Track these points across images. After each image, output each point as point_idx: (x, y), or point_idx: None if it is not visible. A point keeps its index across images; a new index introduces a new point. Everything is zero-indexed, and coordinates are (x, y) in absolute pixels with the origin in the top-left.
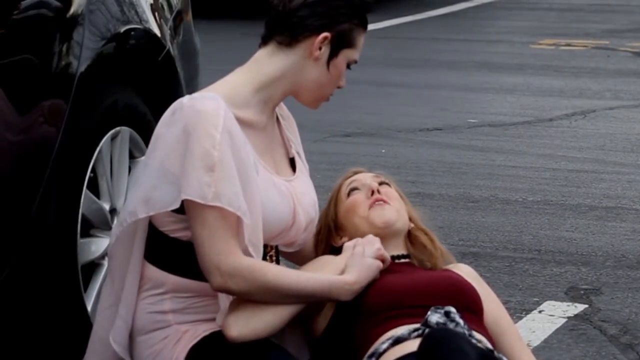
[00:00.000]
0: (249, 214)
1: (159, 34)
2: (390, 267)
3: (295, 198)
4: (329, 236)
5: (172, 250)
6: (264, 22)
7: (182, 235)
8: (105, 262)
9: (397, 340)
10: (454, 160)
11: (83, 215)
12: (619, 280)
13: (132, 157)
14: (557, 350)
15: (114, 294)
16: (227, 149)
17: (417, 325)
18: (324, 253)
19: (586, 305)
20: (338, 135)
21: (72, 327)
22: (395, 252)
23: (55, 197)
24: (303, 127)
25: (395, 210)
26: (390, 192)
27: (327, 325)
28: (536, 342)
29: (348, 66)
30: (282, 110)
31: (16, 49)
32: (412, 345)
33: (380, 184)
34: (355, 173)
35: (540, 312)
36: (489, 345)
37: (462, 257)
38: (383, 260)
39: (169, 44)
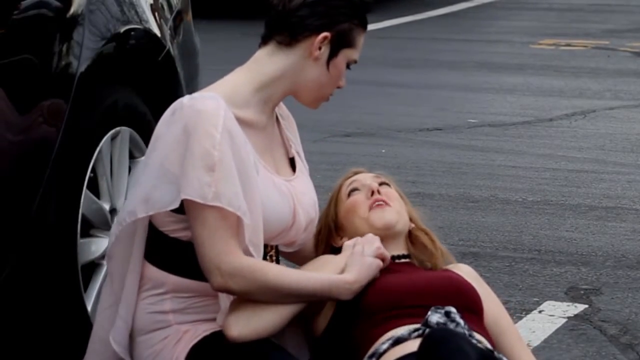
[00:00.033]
0: (248, 214)
1: (159, 34)
2: (391, 266)
3: (295, 198)
4: (329, 236)
5: (172, 250)
6: (264, 22)
7: (182, 235)
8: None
9: (398, 341)
10: (454, 160)
11: (83, 215)
12: (619, 280)
13: (132, 157)
14: (557, 350)
15: (113, 294)
16: (227, 149)
17: (418, 326)
18: (324, 253)
19: (586, 305)
20: (338, 135)
21: (72, 327)
22: (396, 252)
23: (55, 197)
24: (303, 127)
25: (395, 211)
26: (390, 193)
27: (327, 325)
28: (536, 342)
29: (348, 66)
30: (282, 110)
31: (16, 49)
32: (413, 346)
33: (381, 184)
34: (356, 173)
35: (540, 312)
36: (489, 346)
37: (462, 257)
38: (383, 259)
39: (169, 44)
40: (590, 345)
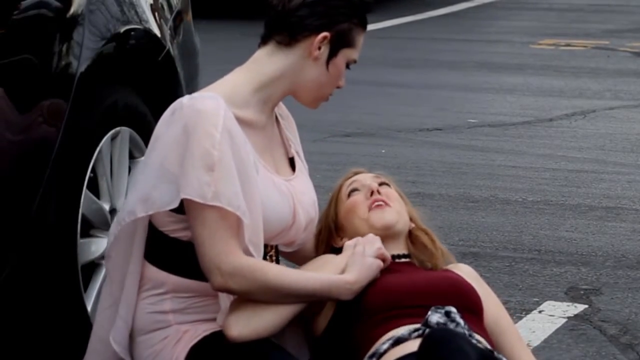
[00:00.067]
0: (248, 214)
1: (159, 34)
2: (391, 266)
3: (295, 197)
4: (330, 237)
5: (172, 250)
6: (264, 22)
7: (182, 235)
8: None
9: (398, 341)
10: (454, 160)
11: (83, 215)
12: (619, 280)
13: (132, 157)
14: (557, 350)
15: (112, 294)
16: (227, 149)
17: (418, 326)
18: (324, 254)
19: (586, 305)
20: (338, 135)
21: (72, 327)
22: (396, 252)
23: (55, 197)
24: (303, 127)
25: (395, 211)
26: (390, 193)
27: (328, 325)
28: (536, 342)
29: (347, 66)
30: (281, 109)
31: (16, 49)
32: (413, 346)
33: (381, 184)
34: (356, 173)
35: (540, 312)
36: (489, 346)
37: (462, 257)
38: (384, 260)
39: (169, 44)
40: (590, 345)
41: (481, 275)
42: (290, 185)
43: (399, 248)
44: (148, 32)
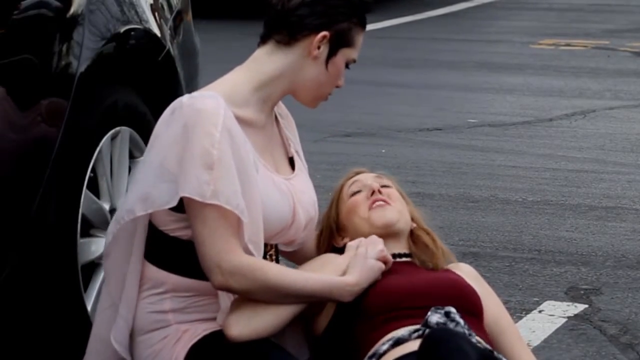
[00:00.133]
0: (247, 213)
1: (159, 34)
2: (392, 266)
3: (295, 196)
4: (331, 237)
5: (172, 249)
6: (263, 21)
7: (182, 234)
8: None
9: (398, 342)
10: (454, 160)
11: (83, 215)
12: (619, 280)
13: (132, 157)
14: (557, 350)
15: (111, 293)
16: (226, 148)
17: (418, 326)
18: (325, 253)
19: (586, 305)
20: (338, 135)
21: (72, 327)
22: (397, 251)
23: (55, 197)
24: (303, 127)
25: (396, 210)
26: (391, 193)
27: (328, 325)
28: (536, 342)
29: (347, 65)
30: (281, 109)
31: (16, 49)
32: (413, 346)
33: (382, 186)
34: (357, 173)
35: (540, 312)
36: (489, 346)
37: (462, 257)
38: (385, 262)
39: (169, 44)
40: (590, 345)
41: (481, 275)
42: (290, 184)
43: (400, 247)
44: (148, 32)
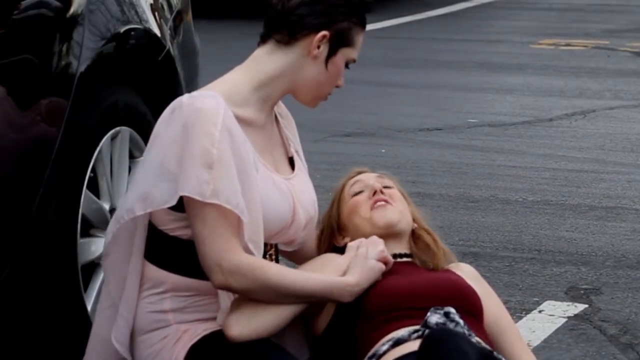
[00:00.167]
0: (247, 212)
1: (159, 34)
2: (392, 266)
3: (295, 196)
4: (332, 236)
5: (172, 248)
6: (263, 21)
7: (181, 233)
8: None
9: (398, 342)
10: (454, 160)
11: (83, 215)
12: (619, 280)
13: (132, 157)
14: (557, 350)
15: (111, 293)
16: (226, 147)
17: (417, 327)
18: (326, 253)
19: (586, 305)
20: (338, 135)
21: (72, 327)
22: (398, 251)
23: (55, 197)
24: (303, 127)
25: (398, 211)
26: (393, 193)
27: (328, 325)
28: (536, 342)
29: (347, 65)
30: (281, 109)
31: (16, 49)
32: (412, 346)
33: (384, 187)
34: (359, 173)
35: (540, 312)
36: (488, 347)
37: (462, 257)
38: (386, 263)
39: (169, 44)
40: (590, 345)
41: (481, 275)
42: (290, 183)
43: (401, 248)
44: (148, 32)
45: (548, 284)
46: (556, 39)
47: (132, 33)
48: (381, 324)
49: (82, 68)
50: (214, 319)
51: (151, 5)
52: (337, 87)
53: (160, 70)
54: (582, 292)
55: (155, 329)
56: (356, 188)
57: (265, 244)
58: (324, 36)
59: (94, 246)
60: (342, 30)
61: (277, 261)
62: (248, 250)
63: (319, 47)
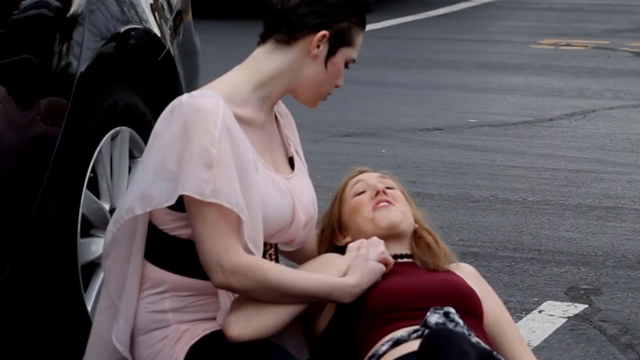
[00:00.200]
0: (246, 211)
1: (159, 34)
2: (392, 267)
3: (295, 195)
4: (333, 235)
5: (172, 248)
6: (263, 20)
7: (181, 233)
8: None
9: (397, 342)
10: (454, 160)
11: (83, 215)
12: (619, 280)
13: (132, 157)
14: (557, 350)
15: (111, 293)
16: (226, 147)
17: (417, 327)
18: (326, 252)
19: (586, 305)
20: (338, 135)
21: (72, 327)
22: (399, 252)
23: (55, 197)
24: (303, 127)
25: (400, 211)
26: (395, 194)
27: (328, 325)
28: (536, 342)
29: (346, 65)
30: (281, 108)
31: (16, 49)
32: (412, 346)
33: (386, 188)
34: (361, 172)
35: (540, 312)
36: (488, 347)
37: (462, 257)
38: (386, 264)
39: (169, 44)
40: (590, 345)
41: (481, 275)
42: (290, 183)
43: (402, 248)
44: (148, 32)
45: (548, 284)
46: (556, 39)
47: (132, 33)
48: (381, 325)
49: (82, 68)
50: (214, 318)
51: (151, 5)
52: (336, 87)
53: (160, 71)
54: (582, 292)
55: (155, 329)
56: (358, 188)
57: (265, 244)
58: (323, 36)
59: (94, 246)
60: (342, 30)
61: (277, 261)
62: (248, 250)
63: (318, 46)
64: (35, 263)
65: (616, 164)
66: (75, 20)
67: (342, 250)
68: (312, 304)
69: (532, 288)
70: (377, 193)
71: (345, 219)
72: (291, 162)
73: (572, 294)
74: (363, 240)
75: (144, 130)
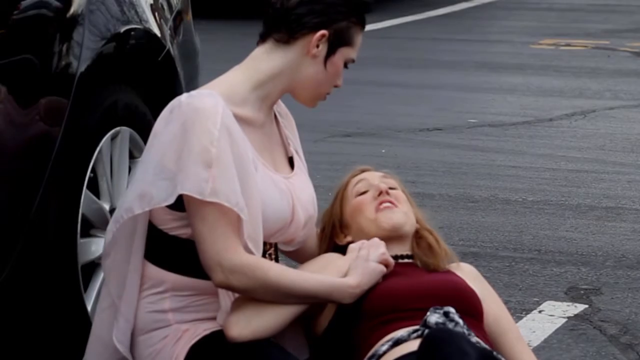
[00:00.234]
0: (246, 210)
1: (159, 34)
2: (393, 267)
3: (294, 195)
4: (333, 234)
5: (171, 248)
6: (263, 20)
7: (181, 233)
8: None
9: (397, 342)
10: (454, 160)
11: (83, 215)
12: (619, 280)
13: (132, 157)
14: (557, 350)
15: (111, 293)
16: (225, 146)
17: (417, 327)
18: (327, 251)
19: (586, 305)
20: (338, 135)
21: (72, 327)
22: (400, 252)
23: (55, 197)
24: (303, 127)
25: (403, 213)
26: (398, 195)
27: (328, 325)
28: (536, 342)
29: (346, 65)
30: (281, 108)
31: (16, 49)
32: (412, 346)
33: (389, 188)
34: (363, 171)
35: (540, 312)
36: (488, 347)
37: (462, 257)
38: (387, 265)
39: (169, 44)
40: (590, 345)
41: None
42: (289, 182)
43: (403, 249)
44: (148, 32)
45: (548, 284)
46: (556, 39)
47: (132, 33)
48: (381, 325)
49: (82, 68)
50: (214, 318)
51: (151, 5)
52: (336, 86)
53: (160, 71)
54: (582, 292)
55: (155, 329)
56: (360, 187)
57: (265, 243)
58: (322, 35)
59: (94, 246)
60: (341, 30)
61: (277, 260)
62: (248, 249)
63: (317, 46)
64: (35, 263)
65: (616, 164)
66: (75, 20)
67: (342, 249)
68: (312, 304)
69: (532, 288)
70: (380, 193)
71: (346, 219)
72: (291, 162)
73: (572, 294)
74: (364, 241)
75: (144, 130)
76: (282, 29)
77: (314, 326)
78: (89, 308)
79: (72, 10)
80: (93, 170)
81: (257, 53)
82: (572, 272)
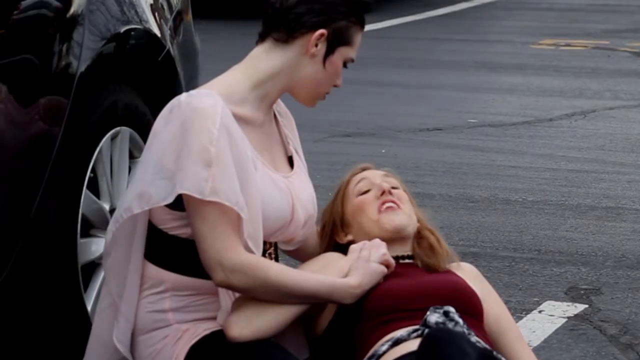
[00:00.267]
0: (246, 209)
1: (159, 34)
2: (394, 268)
3: (294, 194)
4: (334, 232)
5: (171, 248)
6: (262, 19)
7: (180, 232)
8: None
9: (397, 342)
10: (454, 160)
11: (83, 215)
12: (619, 280)
13: (132, 157)
14: (557, 350)
15: (111, 293)
16: (224, 145)
17: (417, 326)
18: (327, 249)
19: (586, 305)
20: (338, 135)
21: (72, 327)
22: (400, 253)
23: (55, 197)
24: (303, 127)
25: (406, 214)
26: (400, 195)
27: (328, 325)
28: (536, 342)
29: (345, 65)
30: (280, 107)
31: (16, 49)
32: (412, 346)
33: (392, 188)
34: (364, 169)
35: (540, 312)
36: (488, 346)
37: (462, 257)
38: (388, 266)
39: (169, 44)
40: (590, 345)
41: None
42: (289, 182)
43: (404, 249)
44: (148, 32)
45: (548, 284)
46: (556, 39)
47: (132, 33)
48: (381, 325)
49: (82, 68)
50: (214, 318)
51: (151, 5)
52: (335, 86)
53: (160, 71)
54: (582, 292)
55: (155, 329)
56: (362, 186)
57: (265, 243)
58: (321, 34)
59: (94, 246)
60: (340, 29)
61: (277, 260)
62: (248, 248)
63: (316, 45)
64: (35, 263)
65: (616, 164)
66: (75, 20)
67: (342, 247)
68: (312, 304)
69: (532, 288)
70: (383, 193)
71: (347, 217)
72: (290, 161)
73: (572, 294)
74: (365, 242)
75: (144, 130)
76: (281, 28)
77: (314, 326)
78: (89, 308)
79: (72, 10)
80: (93, 170)
81: (256, 52)
82: (572, 272)
